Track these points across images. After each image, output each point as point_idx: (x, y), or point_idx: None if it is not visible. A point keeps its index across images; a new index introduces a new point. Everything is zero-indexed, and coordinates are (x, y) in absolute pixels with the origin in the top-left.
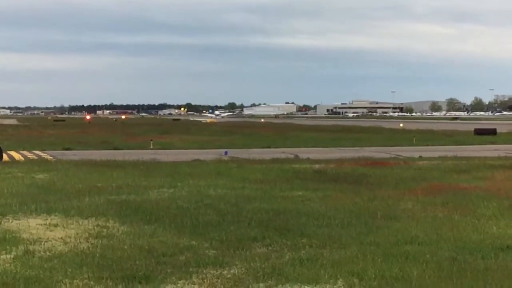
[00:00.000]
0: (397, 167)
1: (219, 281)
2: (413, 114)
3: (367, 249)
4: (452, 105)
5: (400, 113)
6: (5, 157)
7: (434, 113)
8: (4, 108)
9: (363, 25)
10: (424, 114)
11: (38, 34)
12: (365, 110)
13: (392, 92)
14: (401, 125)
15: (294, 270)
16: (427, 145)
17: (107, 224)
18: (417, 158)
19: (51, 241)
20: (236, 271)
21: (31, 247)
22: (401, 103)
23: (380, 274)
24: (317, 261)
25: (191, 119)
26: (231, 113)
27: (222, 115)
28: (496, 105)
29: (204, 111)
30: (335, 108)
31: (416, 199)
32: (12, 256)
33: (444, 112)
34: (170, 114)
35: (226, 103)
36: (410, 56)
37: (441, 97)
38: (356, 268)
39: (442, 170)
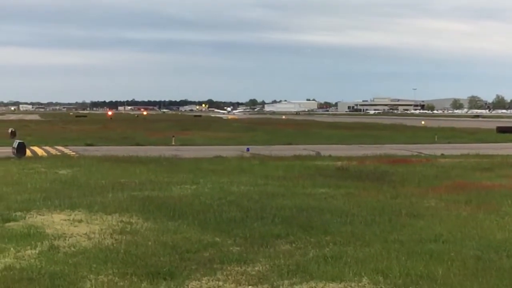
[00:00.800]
0: (420, 164)
1: (243, 277)
2: (435, 111)
3: (391, 247)
4: (474, 102)
5: (421, 111)
6: (28, 152)
7: (456, 111)
8: (26, 103)
9: (384, 22)
10: (446, 111)
11: (59, 29)
12: (386, 108)
13: (414, 89)
14: (422, 122)
15: (318, 267)
16: (449, 142)
17: (131, 220)
18: (439, 156)
19: (75, 236)
20: (261, 268)
21: (55, 243)
22: (423, 101)
23: (405, 272)
24: (341, 259)
25: (212, 115)
26: (243, 110)
27: (235, 111)
28: None
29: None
30: (356, 105)
31: (439, 197)
32: (37, 252)
33: (465, 110)
34: (192, 110)
35: (248, 100)
36: (431, 53)
37: (463, 95)
38: (381, 266)
39: (464, 168)
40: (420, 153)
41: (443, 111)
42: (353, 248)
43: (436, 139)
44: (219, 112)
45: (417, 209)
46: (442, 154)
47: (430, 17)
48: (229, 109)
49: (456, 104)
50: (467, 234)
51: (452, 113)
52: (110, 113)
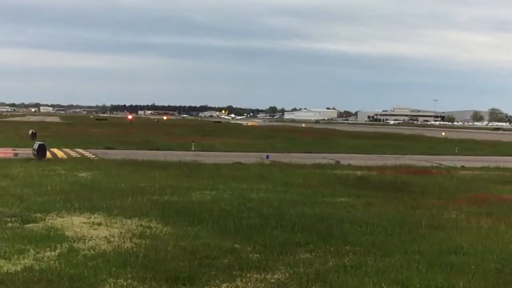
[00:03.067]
0: (440, 176)
1: (262, 285)
2: (455, 123)
3: (411, 258)
4: (494, 115)
5: (441, 122)
6: (48, 154)
7: (476, 123)
8: (47, 105)
9: (404, 32)
10: (466, 123)
11: (82, 33)
12: (406, 118)
13: (434, 100)
14: (443, 133)
15: (338, 277)
16: (469, 154)
17: (150, 224)
18: (459, 168)
19: (94, 239)
20: (280, 276)
21: (75, 245)
22: (443, 112)
23: (425, 284)
24: (361, 269)
25: (232, 121)
26: (244, 116)
27: (237, 117)
28: None
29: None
30: (376, 115)
31: (460, 209)
32: (56, 254)
33: (486, 122)
34: (211, 116)
35: (267, 107)
36: (452, 64)
37: (483, 107)
38: (401, 276)
39: (485, 180)
40: (440, 164)
41: (463, 123)
42: (373, 258)
43: (456, 151)
44: (224, 118)
45: (438, 220)
46: (463, 166)
47: (452, 29)
48: (232, 115)
49: (477, 116)
50: (488, 247)
51: (472, 125)
52: (130, 117)
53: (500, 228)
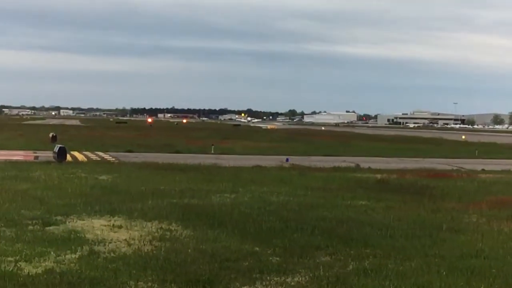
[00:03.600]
0: (460, 179)
1: None
2: (475, 126)
3: (432, 262)
4: None
5: (461, 125)
6: (68, 157)
7: (496, 126)
8: (67, 108)
9: (424, 35)
10: (486, 127)
11: (99, 36)
12: (426, 121)
13: (454, 103)
14: (463, 137)
15: (358, 280)
16: (490, 158)
17: (170, 227)
18: (480, 171)
19: (115, 242)
20: (300, 279)
21: (95, 248)
22: (463, 115)
23: None
24: (382, 272)
25: (251, 125)
26: (260, 120)
27: (253, 120)
28: None
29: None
30: (396, 118)
31: (480, 212)
32: (77, 256)
33: (506, 125)
34: (231, 119)
35: (287, 110)
36: (472, 67)
37: (504, 110)
38: (421, 280)
39: (506, 183)
40: (461, 167)
41: (484, 126)
42: (393, 261)
43: (476, 154)
44: (240, 121)
45: (458, 224)
46: (483, 169)
47: (472, 31)
48: (249, 118)
49: (497, 120)
50: (509, 251)
51: (492, 128)
52: (150, 120)
53: None
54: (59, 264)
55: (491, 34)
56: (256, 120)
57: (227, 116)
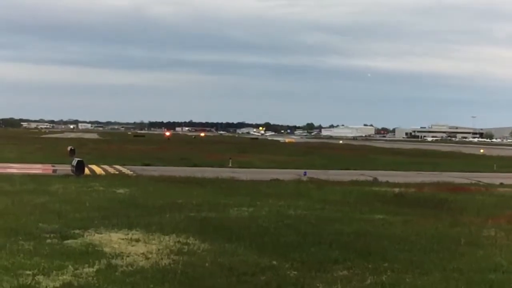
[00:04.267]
0: (479, 193)
1: None
2: (493, 140)
3: (450, 276)
4: None
5: (480, 139)
6: (86, 170)
7: None
8: (85, 122)
9: (442, 49)
10: (505, 140)
11: (117, 50)
12: (444, 135)
13: (473, 117)
14: (481, 150)
15: None
16: (508, 171)
17: (188, 241)
18: (498, 185)
19: (133, 256)
20: None
21: (113, 261)
22: (481, 129)
23: None
24: (400, 287)
25: (269, 138)
26: (274, 133)
27: (267, 133)
28: None
29: (283, 131)
30: (414, 131)
31: (499, 226)
32: (94, 270)
33: None
34: (248, 133)
35: (305, 124)
36: (490, 81)
37: None
38: None
39: None
40: (479, 181)
41: (502, 140)
42: (411, 276)
43: (495, 168)
44: (253, 135)
45: (477, 238)
46: (502, 183)
47: (489, 45)
48: (262, 131)
49: None
50: None
51: (511, 141)
52: (168, 133)
53: None
54: (77, 278)
55: (508, 46)
56: (269, 133)
57: (244, 130)
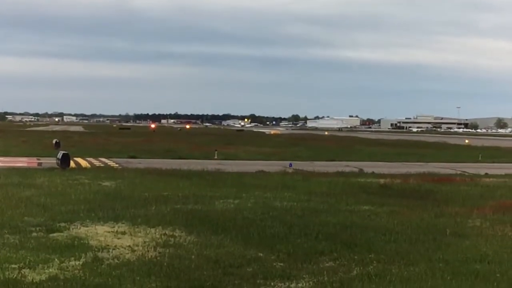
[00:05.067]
0: (464, 184)
1: None
2: (478, 130)
3: (436, 266)
4: None
5: (464, 129)
6: (72, 163)
7: (500, 130)
8: (70, 115)
9: (426, 40)
10: (489, 130)
11: (101, 42)
12: (429, 125)
13: (457, 107)
14: (466, 141)
15: (362, 285)
16: (493, 162)
17: (174, 233)
18: (483, 175)
19: (119, 248)
20: (304, 284)
21: (99, 254)
22: (466, 119)
23: None
24: (386, 277)
25: (255, 130)
26: (253, 125)
27: (247, 125)
28: None
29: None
30: (399, 122)
31: (484, 216)
32: (81, 263)
33: (510, 129)
34: (228, 124)
35: (290, 115)
36: (475, 71)
37: (507, 114)
38: (425, 285)
39: (510, 188)
40: (464, 172)
41: (487, 130)
42: (397, 266)
43: (480, 158)
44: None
45: (462, 228)
46: (487, 174)
47: (474, 36)
48: (242, 123)
49: (500, 123)
50: None
51: (496, 132)
52: (153, 126)
53: None
54: (63, 271)
55: (494, 37)
56: (248, 125)
57: (230, 122)
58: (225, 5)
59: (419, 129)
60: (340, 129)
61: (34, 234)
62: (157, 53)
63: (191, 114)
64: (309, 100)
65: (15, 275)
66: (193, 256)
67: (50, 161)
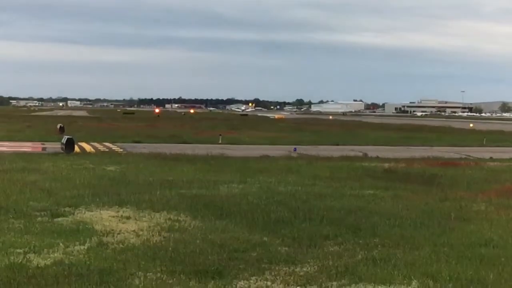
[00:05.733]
0: (468, 167)
1: (291, 278)
2: (483, 114)
3: (440, 251)
4: None
5: (469, 113)
6: (76, 148)
7: (504, 114)
8: (74, 100)
9: (429, 24)
10: (494, 114)
11: (104, 27)
12: (433, 109)
13: (462, 91)
14: (471, 125)
15: (367, 269)
16: (498, 146)
17: (179, 218)
18: (488, 159)
19: (123, 233)
20: (309, 269)
21: (104, 239)
22: (471, 103)
23: (454, 277)
24: (390, 262)
25: (259, 114)
26: (290, 109)
27: (247, 109)
28: None
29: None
30: (404, 106)
31: (489, 200)
32: (86, 248)
33: None
34: (238, 109)
35: (294, 100)
36: (479, 55)
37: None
38: (430, 269)
39: None
40: (469, 156)
41: (491, 114)
42: (402, 251)
43: (484, 142)
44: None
45: (467, 212)
46: (491, 158)
47: (477, 19)
48: (243, 107)
49: (505, 107)
50: None
51: (500, 116)
52: (157, 110)
53: None
54: (68, 256)
55: (497, 21)
56: (249, 109)
57: (234, 106)
58: None
59: (424, 113)
60: (344, 114)
61: (39, 218)
62: (161, 38)
63: (195, 99)
64: (313, 85)
65: (20, 260)
66: (198, 241)
67: (54, 146)
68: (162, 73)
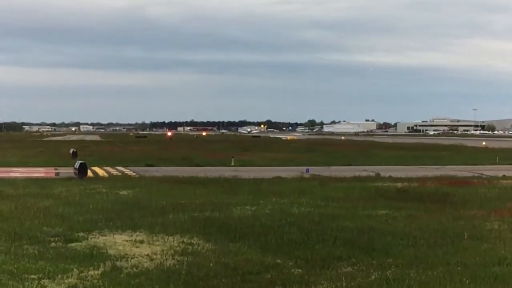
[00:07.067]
0: (481, 186)
1: None
2: (495, 132)
3: (454, 270)
4: None
5: (481, 131)
6: (89, 173)
7: None
8: (87, 124)
9: (440, 43)
10: (506, 132)
11: (117, 51)
12: (446, 128)
13: (474, 110)
14: (483, 143)
15: None
16: (511, 164)
17: (192, 241)
18: (501, 177)
19: (137, 257)
20: None
21: (118, 263)
22: (483, 121)
23: None
24: (404, 282)
25: (271, 136)
26: (261, 131)
27: (253, 131)
28: None
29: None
30: (416, 125)
31: (502, 219)
32: (99, 272)
33: None
34: (240, 132)
35: (306, 120)
36: (490, 73)
37: None
38: None
39: None
40: (482, 174)
41: (504, 132)
42: (415, 271)
43: (497, 160)
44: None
45: (480, 231)
46: (504, 176)
47: (489, 38)
48: (249, 129)
49: None
50: None
51: None
52: (169, 133)
53: None
54: (82, 281)
55: (508, 39)
56: (255, 131)
57: (246, 128)
58: (237, 12)
59: (436, 132)
60: (356, 134)
61: (53, 244)
62: (172, 61)
63: (208, 121)
64: (325, 105)
65: (34, 286)
66: (211, 264)
67: (67, 171)
68: (174, 96)
